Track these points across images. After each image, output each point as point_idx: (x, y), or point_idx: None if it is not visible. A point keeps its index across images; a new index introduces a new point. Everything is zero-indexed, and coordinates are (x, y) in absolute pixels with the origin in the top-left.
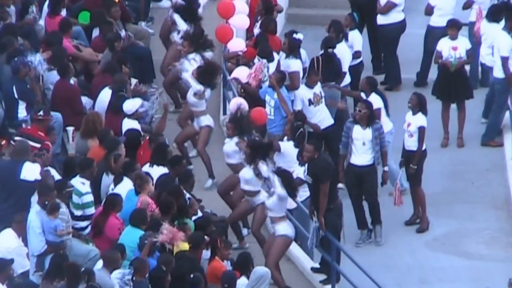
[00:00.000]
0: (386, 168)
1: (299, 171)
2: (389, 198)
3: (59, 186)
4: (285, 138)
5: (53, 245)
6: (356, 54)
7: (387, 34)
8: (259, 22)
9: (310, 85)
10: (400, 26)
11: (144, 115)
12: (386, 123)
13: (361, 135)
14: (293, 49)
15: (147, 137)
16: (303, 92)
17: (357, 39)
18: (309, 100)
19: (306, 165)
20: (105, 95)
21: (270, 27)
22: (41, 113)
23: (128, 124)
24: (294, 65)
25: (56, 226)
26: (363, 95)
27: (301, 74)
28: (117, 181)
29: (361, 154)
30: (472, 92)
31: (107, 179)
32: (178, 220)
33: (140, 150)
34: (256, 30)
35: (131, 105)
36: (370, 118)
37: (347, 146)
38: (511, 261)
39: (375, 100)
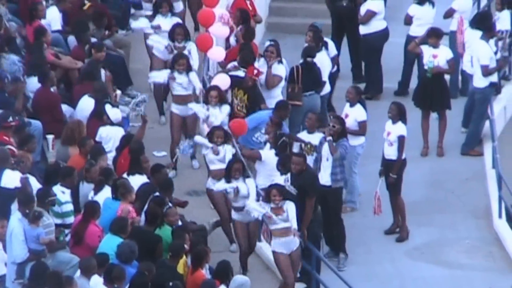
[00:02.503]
0: (329, 138)
1: (279, 180)
2: (370, 207)
3: (42, 194)
4: (268, 146)
5: (36, 253)
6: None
7: (370, 43)
8: (237, 31)
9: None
10: (383, 35)
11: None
12: (358, 137)
13: (326, 151)
14: (280, 54)
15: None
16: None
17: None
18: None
19: (290, 176)
20: (85, 102)
21: (252, 36)
22: (10, 119)
23: (106, 131)
24: (279, 70)
25: (38, 234)
26: (347, 105)
27: (283, 82)
28: (97, 189)
29: (325, 170)
30: (450, 102)
31: (84, 188)
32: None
33: (120, 158)
34: (232, 39)
35: (117, 113)
36: (340, 135)
37: (317, 161)
38: (491, 271)
39: (361, 112)
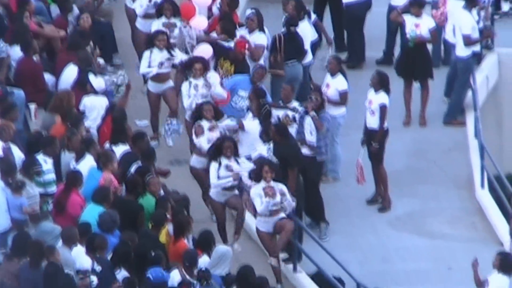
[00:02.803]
0: (313, 114)
1: (262, 149)
2: (352, 176)
3: (28, 164)
4: (250, 115)
5: (18, 222)
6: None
7: (353, 13)
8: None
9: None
10: (366, 4)
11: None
12: (339, 107)
13: (308, 125)
14: (262, 24)
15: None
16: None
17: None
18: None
19: (273, 146)
20: (70, 72)
21: (237, 4)
22: None
23: (90, 100)
24: (261, 39)
25: (21, 204)
26: (328, 75)
27: (265, 51)
28: (78, 158)
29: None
30: (432, 72)
31: (65, 157)
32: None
33: (103, 127)
34: (215, 8)
35: (100, 82)
36: (320, 106)
37: (299, 133)
38: (473, 241)
39: (342, 82)
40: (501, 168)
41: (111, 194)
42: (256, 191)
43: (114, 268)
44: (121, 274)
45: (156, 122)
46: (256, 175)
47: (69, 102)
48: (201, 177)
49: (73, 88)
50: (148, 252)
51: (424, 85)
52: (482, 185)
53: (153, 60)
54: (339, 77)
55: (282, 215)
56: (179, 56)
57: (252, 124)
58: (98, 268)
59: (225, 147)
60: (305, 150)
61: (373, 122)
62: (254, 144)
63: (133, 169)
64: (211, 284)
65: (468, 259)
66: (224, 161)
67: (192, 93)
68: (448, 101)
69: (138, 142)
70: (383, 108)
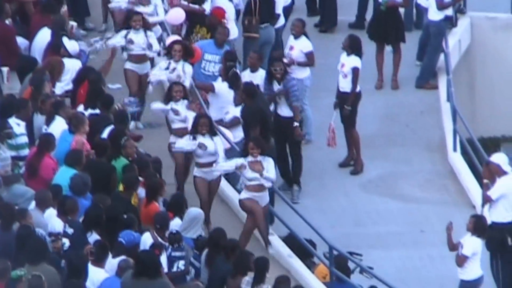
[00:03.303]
0: (296, 124)
1: (235, 111)
2: (324, 139)
3: None
4: (219, 79)
5: None
6: None
7: None
8: None
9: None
10: None
11: (82, 54)
12: (304, 69)
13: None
14: None
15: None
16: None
17: None
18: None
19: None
20: (44, 35)
21: None
22: None
23: (65, 63)
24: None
25: None
26: (291, 37)
27: (232, 16)
28: (49, 121)
29: (282, 105)
30: (404, 35)
31: (37, 119)
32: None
33: (80, 89)
34: None
35: (74, 45)
36: (284, 74)
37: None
38: (446, 204)
39: (306, 43)
40: (473, 131)
41: (83, 157)
42: (240, 161)
43: (86, 231)
44: (93, 237)
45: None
46: (243, 151)
47: (60, 72)
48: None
49: (46, 51)
50: (120, 215)
51: (397, 49)
52: (455, 148)
53: (129, 42)
54: (303, 39)
55: (267, 196)
56: (155, 46)
57: (222, 87)
58: (70, 230)
59: (200, 124)
60: (286, 112)
61: (345, 85)
62: (224, 108)
63: (106, 132)
64: (183, 247)
65: (441, 222)
66: (199, 138)
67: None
68: (420, 64)
69: (108, 106)
70: (355, 71)
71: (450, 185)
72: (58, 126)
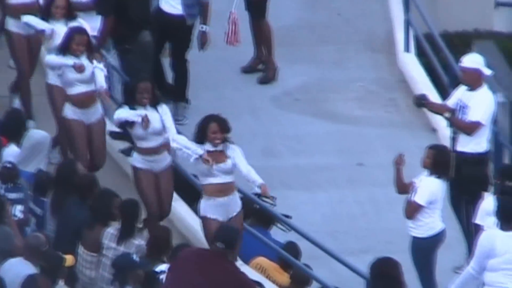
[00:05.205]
0: (204, 28)
1: None
2: (221, 34)
3: None
4: None
5: None
6: None
7: None
8: None
9: None
10: None
11: None
12: None
13: None
14: None
15: None
16: None
17: None
18: None
19: None
20: None
21: None
22: None
23: None
24: None
25: None
26: None
27: None
28: None
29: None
30: None
31: None
32: None
33: None
34: None
35: None
36: None
37: None
38: (393, 126)
39: None
40: (433, 24)
41: None
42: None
43: None
44: None
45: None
46: (198, 135)
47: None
48: None
49: None
50: None
51: None
52: (407, 48)
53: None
54: None
55: (238, 200)
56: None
57: None
58: None
59: (140, 89)
60: (176, 9)
61: None
62: None
63: None
64: (20, 186)
65: (386, 151)
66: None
67: None
68: None
69: None
70: None
71: (400, 99)
72: None
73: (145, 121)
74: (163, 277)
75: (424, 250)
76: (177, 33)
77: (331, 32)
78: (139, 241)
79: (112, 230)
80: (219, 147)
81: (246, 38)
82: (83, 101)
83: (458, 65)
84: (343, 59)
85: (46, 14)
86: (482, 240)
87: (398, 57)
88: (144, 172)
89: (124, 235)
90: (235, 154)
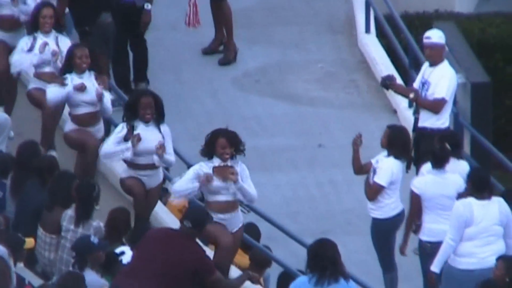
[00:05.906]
0: (148, 6)
1: None
2: (182, 16)
3: None
4: None
5: None
6: None
7: None
8: None
9: None
10: None
11: None
12: None
13: None
14: None
15: None
16: None
17: None
18: None
19: None
20: None
21: None
22: None
23: None
24: None
25: None
26: None
27: None
28: None
29: None
30: None
31: None
32: None
33: None
34: None
35: None
36: None
37: None
38: (354, 107)
39: None
40: (393, 4)
41: None
42: (203, 168)
43: None
44: None
45: None
46: (206, 150)
47: None
48: None
49: None
50: None
51: None
52: (367, 29)
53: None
54: None
55: (240, 216)
56: None
57: None
58: None
59: (142, 104)
60: None
61: None
62: None
63: None
64: None
65: (346, 133)
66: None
67: None
68: None
69: None
70: None
71: (360, 80)
72: None
73: (136, 140)
74: (122, 258)
75: (385, 231)
76: (130, 17)
77: (291, 13)
78: (97, 223)
79: (70, 212)
80: (228, 163)
81: (207, 20)
82: (88, 121)
83: (424, 41)
84: (303, 41)
85: (34, 26)
86: (460, 209)
87: (358, 38)
88: (134, 177)
89: (81, 217)
90: (244, 174)
